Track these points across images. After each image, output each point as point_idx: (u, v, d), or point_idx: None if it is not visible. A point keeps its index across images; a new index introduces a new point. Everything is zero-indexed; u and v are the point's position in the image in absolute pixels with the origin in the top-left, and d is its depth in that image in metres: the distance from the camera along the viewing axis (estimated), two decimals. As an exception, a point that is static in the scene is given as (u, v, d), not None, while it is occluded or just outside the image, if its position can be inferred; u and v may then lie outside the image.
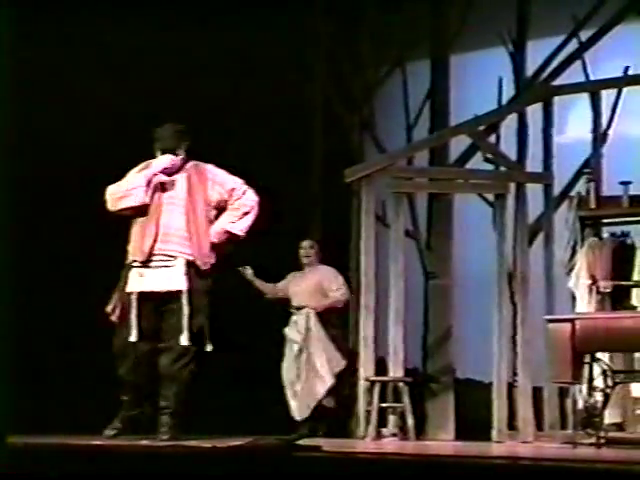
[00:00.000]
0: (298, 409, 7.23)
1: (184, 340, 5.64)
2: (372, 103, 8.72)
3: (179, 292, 5.66)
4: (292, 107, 8.19)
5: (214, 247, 5.81)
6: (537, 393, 7.45)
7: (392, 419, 7.25)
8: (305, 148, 8.53)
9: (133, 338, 5.69)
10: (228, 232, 5.83)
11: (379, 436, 7.12)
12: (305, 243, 7.64)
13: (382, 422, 7.21)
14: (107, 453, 4.82)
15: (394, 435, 7.19)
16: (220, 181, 5.88)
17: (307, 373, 7.27)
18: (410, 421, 7.15)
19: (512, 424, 7.37)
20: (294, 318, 7.48)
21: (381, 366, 7.45)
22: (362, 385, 7.33)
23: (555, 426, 7.37)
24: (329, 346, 7.32)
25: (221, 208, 5.88)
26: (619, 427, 6.96)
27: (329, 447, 5.04)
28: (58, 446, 5.03)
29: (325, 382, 7.23)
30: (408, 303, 7.55)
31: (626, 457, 5.12)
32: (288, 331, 7.47)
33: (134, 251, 5.76)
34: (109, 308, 5.80)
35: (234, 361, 7.43)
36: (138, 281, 5.73)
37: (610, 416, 6.87)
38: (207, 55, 7.92)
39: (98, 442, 5.40)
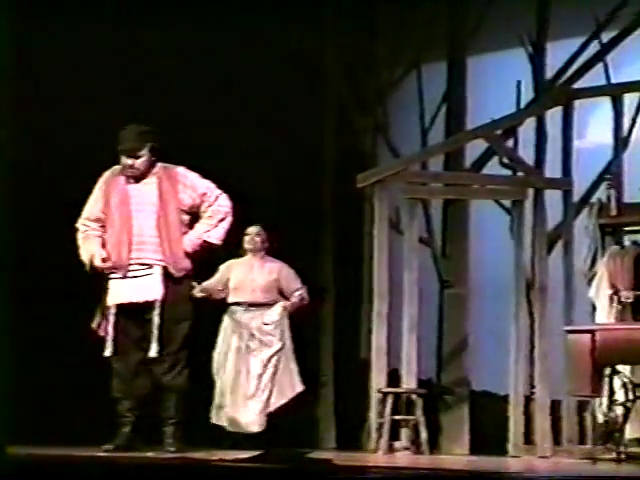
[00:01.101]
0: (251, 419, 6.91)
1: (153, 351, 5.62)
2: (386, 106, 8.69)
3: (154, 301, 5.64)
4: (303, 110, 8.16)
5: (189, 255, 5.78)
6: (555, 406, 7.39)
7: (405, 432, 7.20)
8: (316, 152, 8.50)
9: (107, 353, 5.70)
10: (204, 241, 5.80)
11: (391, 450, 7.08)
12: (252, 229, 7.19)
13: (394, 435, 7.16)
14: (112, 465, 4.80)
15: (407, 449, 7.15)
16: (191, 185, 5.83)
17: (271, 378, 7.01)
18: (423, 434, 7.10)
19: (529, 438, 7.32)
20: (246, 315, 7.09)
21: (394, 377, 7.41)
22: (374, 397, 7.28)
23: (574, 441, 7.31)
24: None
25: (193, 213, 5.84)
26: (640, 442, 6.90)
27: (339, 461, 5.01)
28: (62, 458, 5.02)
29: (295, 388, 7.10)
30: (422, 312, 7.51)
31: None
32: (233, 330, 7.09)
33: (111, 263, 5.71)
34: (95, 324, 5.78)
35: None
36: (116, 293, 5.71)
37: (631, 431, 6.81)
38: (216, 58, 7.89)
39: (103, 454, 5.40)
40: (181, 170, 5.87)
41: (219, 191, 5.87)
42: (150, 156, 5.78)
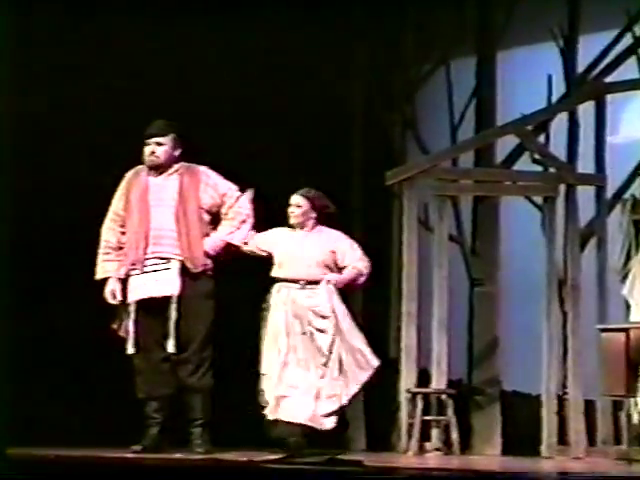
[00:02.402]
0: (321, 413, 6.13)
1: (170, 347, 5.67)
2: (415, 102, 8.70)
3: (171, 297, 5.69)
4: (332, 106, 8.18)
5: (210, 256, 5.83)
6: (589, 406, 7.37)
7: (436, 433, 7.19)
8: (345, 149, 8.52)
9: (130, 350, 5.75)
10: (227, 243, 5.85)
11: (422, 450, 7.06)
12: (291, 199, 6.40)
13: (425, 436, 7.16)
14: (140, 467, 4.85)
15: (438, 449, 7.15)
16: (213, 184, 5.92)
17: (339, 367, 6.24)
18: (454, 435, 7.11)
19: (563, 439, 7.31)
20: (302, 294, 6.24)
21: (424, 377, 7.42)
22: (404, 397, 7.29)
23: (608, 441, 7.28)
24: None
25: (214, 213, 5.90)
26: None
27: (370, 461, 5.04)
28: (86, 459, 5.06)
29: (370, 364, 6.31)
30: (452, 311, 7.52)
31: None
32: (280, 312, 6.25)
33: (130, 259, 5.79)
34: (115, 324, 5.84)
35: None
36: (136, 289, 5.78)
37: (667, 431, 6.81)
38: (241, 56, 7.92)
39: (131, 455, 5.44)
40: (203, 169, 5.95)
41: (239, 193, 5.93)
42: (172, 148, 5.87)
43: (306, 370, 6.15)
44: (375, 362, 6.30)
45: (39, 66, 7.37)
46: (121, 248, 5.86)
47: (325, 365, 6.16)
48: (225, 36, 7.87)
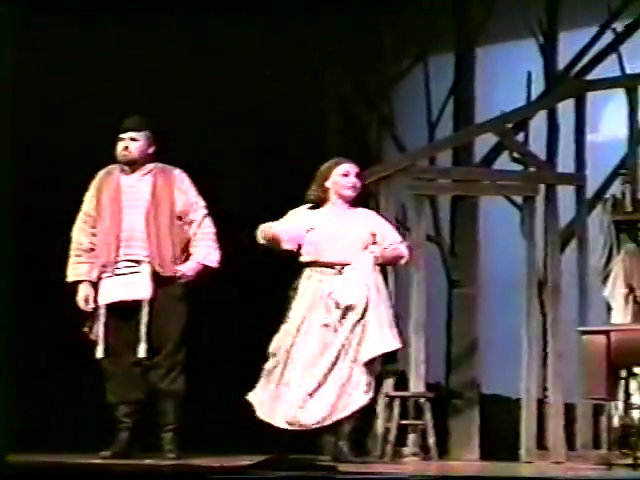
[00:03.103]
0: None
1: (141, 352, 5.63)
2: (392, 100, 8.68)
3: (142, 300, 5.65)
4: (306, 104, 8.15)
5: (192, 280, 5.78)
6: (569, 410, 7.39)
7: (412, 437, 7.19)
8: (320, 148, 8.47)
9: (99, 354, 5.69)
10: (205, 266, 5.80)
11: (398, 455, 7.04)
12: (342, 167, 5.75)
13: (402, 440, 7.14)
14: (110, 473, 4.79)
15: (415, 455, 7.14)
16: (185, 190, 5.86)
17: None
18: (432, 439, 7.08)
19: (542, 443, 7.32)
20: (338, 280, 5.61)
21: (401, 380, 7.39)
22: (380, 401, 7.26)
23: (588, 446, 7.31)
24: None
25: (180, 218, 5.83)
26: (658, 447, 6.89)
27: (344, 467, 5.00)
28: (56, 465, 5.01)
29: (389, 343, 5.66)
30: (430, 313, 7.51)
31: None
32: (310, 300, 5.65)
33: (101, 261, 5.73)
34: (86, 328, 5.78)
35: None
36: (106, 292, 5.71)
37: (648, 435, 6.81)
38: (215, 55, 7.86)
39: (99, 461, 5.40)
40: (178, 172, 5.89)
41: (206, 211, 5.88)
42: (146, 145, 5.82)
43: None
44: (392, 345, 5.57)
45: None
46: (93, 250, 5.80)
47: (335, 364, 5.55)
48: (199, 35, 7.82)
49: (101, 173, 5.90)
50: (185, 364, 5.79)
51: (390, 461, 6.84)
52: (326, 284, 5.64)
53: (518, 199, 7.73)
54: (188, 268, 5.78)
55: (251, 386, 7.39)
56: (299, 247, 5.70)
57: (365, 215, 5.83)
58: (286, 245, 5.67)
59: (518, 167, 7.85)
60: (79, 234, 5.84)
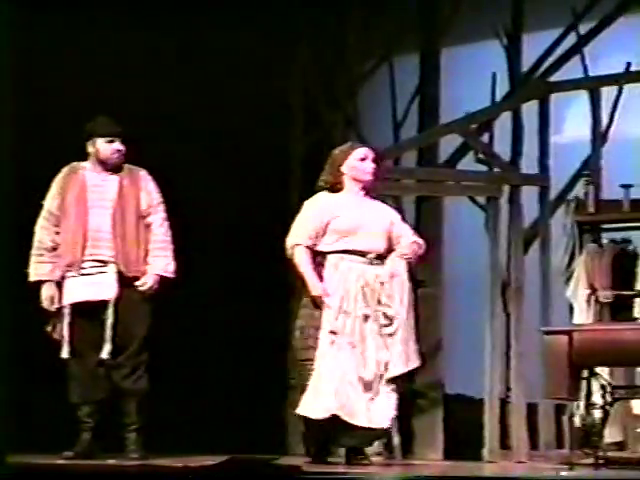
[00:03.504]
0: (381, 413, 5.52)
1: (105, 353, 5.63)
2: (356, 100, 8.69)
3: (108, 301, 5.65)
4: (270, 105, 8.13)
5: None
6: (532, 410, 7.44)
7: (377, 437, 7.21)
8: (284, 149, 8.48)
9: (64, 354, 5.68)
10: (163, 277, 5.80)
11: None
12: (361, 151, 5.62)
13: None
14: (72, 473, 4.78)
15: (378, 454, 7.14)
16: (150, 191, 5.86)
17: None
18: (396, 439, 7.12)
19: (505, 443, 7.36)
20: (371, 271, 5.47)
21: (366, 380, 7.41)
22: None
23: (551, 445, 7.37)
24: None
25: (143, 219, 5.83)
26: (619, 446, 6.95)
27: (308, 467, 5.02)
28: (18, 466, 4.99)
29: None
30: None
31: (626, 478, 5.12)
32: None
33: (65, 260, 5.71)
34: (49, 327, 5.76)
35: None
36: (71, 292, 5.70)
37: (609, 435, 6.86)
38: (179, 54, 7.84)
39: (62, 462, 5.38)
40: (144, 173, 5.89)
41: (164, 214, 5.87)
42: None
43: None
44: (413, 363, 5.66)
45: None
46: (55, 249, 5.77)
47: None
48: (164, 33, 7.78)
49: (65, 170, 5.86)
50: (149, 364, 5.80)
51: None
52: (356, 272, 5.45)
53: (482, 200, 7.77)
54: (153, 281, 5.77)
55: (215, 386, 7.46)
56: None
57: (380, 204, 5.71)
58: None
59: (483, 168, 7.90)
60: (41, 233, 5.81)
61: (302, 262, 5.52)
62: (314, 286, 5.45)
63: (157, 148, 6.37)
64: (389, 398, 5.55)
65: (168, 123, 7.63)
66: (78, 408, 5.75)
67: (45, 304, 5.76)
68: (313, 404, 5.44)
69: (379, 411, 5.50)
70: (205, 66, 7.88)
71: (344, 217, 5.49)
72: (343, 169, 5.60)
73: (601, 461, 6.33)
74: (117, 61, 7.63)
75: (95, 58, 7.61)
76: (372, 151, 5.68)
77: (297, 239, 5.56)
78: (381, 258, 5.54)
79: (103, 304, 5.67)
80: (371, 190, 5.70)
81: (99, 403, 5.76)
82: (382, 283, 5.50)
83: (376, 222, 5.56)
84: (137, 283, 5.72)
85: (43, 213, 5.85)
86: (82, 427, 5.75)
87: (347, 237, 5.49)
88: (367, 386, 5.47)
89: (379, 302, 5.50)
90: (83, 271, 5.69)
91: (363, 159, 5.60)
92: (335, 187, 5.62)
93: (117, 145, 5.81)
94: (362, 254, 5.48)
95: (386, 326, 5.52)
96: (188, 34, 7.78)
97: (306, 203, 5.69)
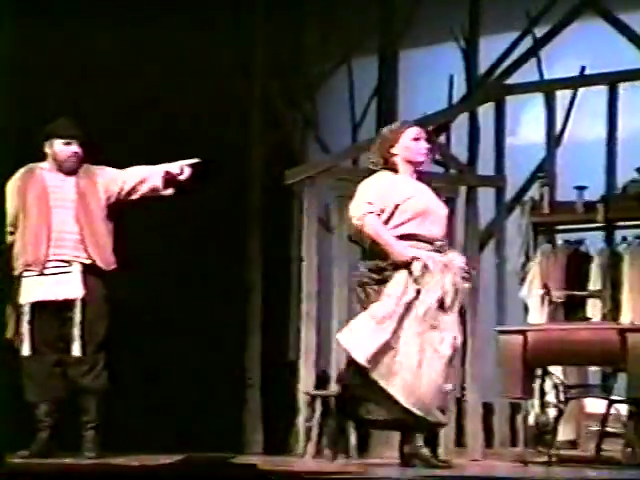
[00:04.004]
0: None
1: (76, 350, 5.64)
2: (316, 101, 8.71)
3: (75, 300, 5.66)
4: (230, 105, 8.12)
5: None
6: (487, 408, 7.48)
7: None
8: (243, 149, 8.47)
9: (26, 352, 5.67)
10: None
11: (319, 454, 7.08)
12: (414, 130, 5.31)
13: (323, 439, 7.17)
14: (28, 472, 4.75)
15: (335, 453, 7.16)
16: (105, 178, 5.89)
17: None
18: (352, 437, 7.14)
19: (460, 441, 7.39)
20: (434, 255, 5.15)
21: (323, 379, 7.44)
22: (302, 399, 7.32)
23: (505, 443, 7.42)
24: None
25: (118, 201, 5.85)
26: (572, 444, 7.02)
27: (266, 465, 5.04)
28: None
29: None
30: (353, 312, 7.53)
31: (579, 476, 5.17)
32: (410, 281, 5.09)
33: (26, 259, 5.70)
34: (9, 334, 5.73)
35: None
36: (31, 291, 5.71)
37: (563, 433, 6.94)
38: (137, 54, 7.75)
39: (17, 461, 5.36)
40: (98, 167, 5.91)
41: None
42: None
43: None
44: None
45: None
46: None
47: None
48: (122, 33, 7.73)
49: (22, 171, 5.86)
50: (107, 362, 5.81)
51: (312, 459, 6.89)
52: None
53: (439, 200, 7.82)
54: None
55: (173, 385, 7.43)
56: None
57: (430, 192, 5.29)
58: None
59: (439, 169, 7.94)
60: None
61: (379, 229, 5.07)
62: (401, 252, 5.02)
63: (113, 147, 6.33)
64: None
65: (125, 123, 7.59)
66: (35, 407, 5.74)
67: None
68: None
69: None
70: (163, 66, 7.84)
71: (418, 197, 5.13)
72: (395, 150, 5.21)
73: (554, 459, 6.41)
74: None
75: (59, 57, 7.54)
76: (424, 130, 5.35)
77: (366, 207, 5.09)
78: (443, 247, 5.21)
79: (65, 303, 5.67)
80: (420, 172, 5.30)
81: (56, 402, 5.75)
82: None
83: (440, 207, 5.26)
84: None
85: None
86: (39, 426, 5.74)
87: (415, 220, 5.11)
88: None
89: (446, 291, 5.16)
90: (46, 271, 5.70)
91: (417, 139, 5.22)
92: (388, 169, 5.20)
93: (74, 147, 5.83)
94: (429, 241, 5.14)
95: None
96: (146, 34, 7.74)
97: (367, 181, 5.21)
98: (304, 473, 5.07)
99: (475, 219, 7.67)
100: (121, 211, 5.97)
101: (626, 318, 7.11)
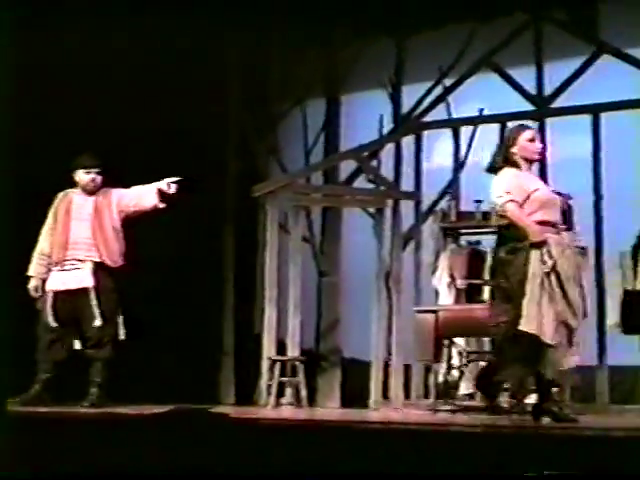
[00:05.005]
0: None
1: (97, 322, 5.64)
2: (277, 133, 8.71)
3: (88, 288, 5.72)
4: (210, 136, 8.02)
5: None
6: (407, 370, 7.51)
7: (289, 391, 7.23)
8: (221, 170, 8.43)
9: (52, 324, 5.74)
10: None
11: (278, 405, 7.08)
12: (529, 132, 4.85)
13: (281, 393, 7.18)
14: (25, 419, 4.54)
15: (291, 404, 7.18)
16: (118, 197, 5.88)
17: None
18: (304, 392, 7.14)
19: (386, 394, 7.43)
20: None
21: (281, 347, 7.44)
22: (265, 363, 7.30)
23: (420, 396, 7.45)
24: None
25: (131, 219, 5.87)
26: (470, 397, 7.07)
27: (236, 414, 5.01)
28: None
29: None
30: (304, 296, 7.55)
31: (475, 421, 5.22)
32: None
33: (52, 258, 5.83)
34: (39, 306, 5.79)
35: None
36: (54, 282, 5.82)
37: (464, 388, 6.99)
38: (122, 80, 7.25)
39: (16, 408, 5.12)
40: (114, 190, 5.96)
41: None
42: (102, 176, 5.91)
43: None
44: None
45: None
46: (49, 255, 5.88)
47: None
48: (105, 47, 7.03)
49: (60, 195, 6.01)
50: (113, 336, 5.76)
51: (272, 409, 6.89)
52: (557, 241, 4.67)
53: (372, 210, 7.83)
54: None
55: (169, 352, 7.28)
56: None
57: None
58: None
59: (372, 186, 7.96)
60: (43, 242, 5.92)
61: (520, 214, 4.67)
62: (535, 232, 4.62)
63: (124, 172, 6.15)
64: None
65: (111, 142, 6.63)
66: (38, 363, 5.73)
67: (32, 292, 5.88)
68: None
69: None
70: (150, 80, 7.31)
71: (542, 189, 4.77)
72: (514, 150, 4.81)
73: (457, 408, 6.46)
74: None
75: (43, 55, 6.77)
76: (537, 132, 5.00)
77: (509, 196, 4.70)
78: (561, 230, 4.76)
79: (80, 292, 5.72)
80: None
81: (57, 364, 5.73)
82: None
83: (557, 198, 4.86)
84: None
85: (45, 227, 5.94)
86: (35, 379, 5.71)
87: (544, 209, 4.72)
88: None
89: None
90: (65, 267, 5.79)
91: (532, 140, 4.84)
92: (510, 166, 4.80)
93: (92, 175, 5.91)
94: (553, 225, 4.72)
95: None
96: (129, 59, 7.14)
97: (500, 176, 4.81)
98: (266, 419, 5.06)
99: (399, 225, 7.71)
100: (133, 221, 5.91)
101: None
